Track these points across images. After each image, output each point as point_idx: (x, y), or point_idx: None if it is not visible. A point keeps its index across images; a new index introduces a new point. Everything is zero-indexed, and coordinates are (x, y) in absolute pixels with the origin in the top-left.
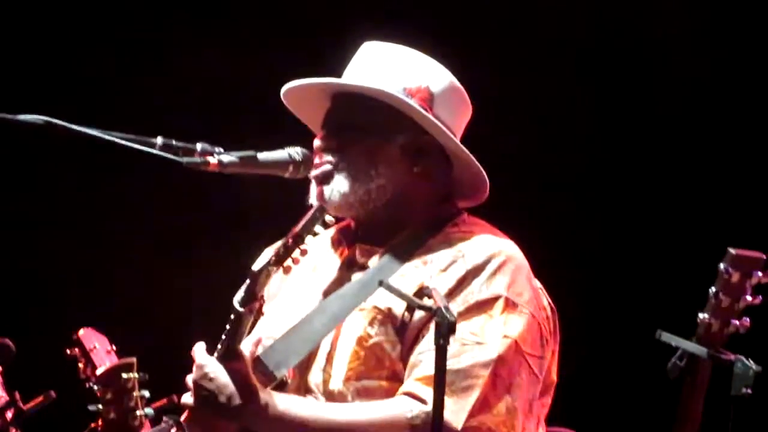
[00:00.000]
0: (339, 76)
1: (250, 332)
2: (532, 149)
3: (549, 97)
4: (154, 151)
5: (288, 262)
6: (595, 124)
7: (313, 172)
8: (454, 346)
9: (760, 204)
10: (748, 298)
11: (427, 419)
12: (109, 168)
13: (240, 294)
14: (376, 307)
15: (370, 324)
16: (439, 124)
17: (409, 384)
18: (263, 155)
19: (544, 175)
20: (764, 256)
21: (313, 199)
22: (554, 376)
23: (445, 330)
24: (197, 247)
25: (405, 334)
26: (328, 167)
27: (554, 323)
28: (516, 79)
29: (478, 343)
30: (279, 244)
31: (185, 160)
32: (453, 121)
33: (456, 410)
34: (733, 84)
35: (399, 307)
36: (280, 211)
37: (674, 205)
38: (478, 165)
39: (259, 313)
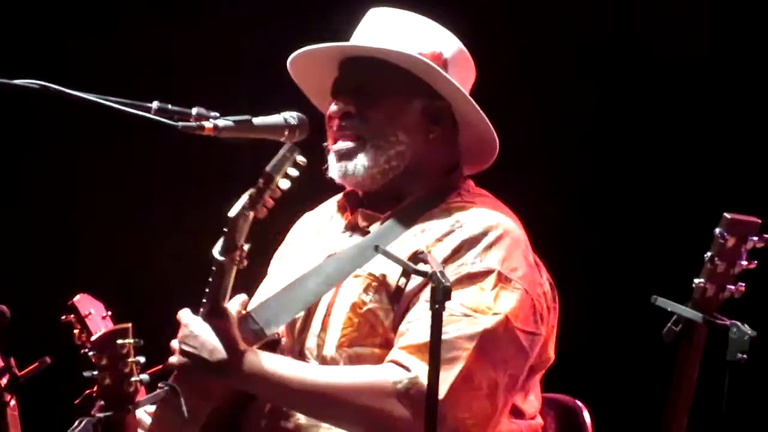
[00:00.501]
0: (344, 41)
1: (253, 292)
2: (529, 120)
3: (550, 66)
4: (150, 116)
5: (261, 203)
6: (593, 92)
7: (335, 147)
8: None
9: (755, 168)
10: (744, 262)
11: (410, 385)
12: (101, 132)
13: (219, 244)
14: (371, 274)
15: (365, 291)
16: (461, 88)
17: (394, 352)
18: (258, 120)
19: (539, 147)
20: (759, 221)
21: (333, 173)
22: (551, 353)
23: (440, 295)
24: (193, 212)
25: (399, 301)
26: (351, 144)
27: (553, 298)
28: (517, 43)
29: (466, 315)
30: (252, 189)
31: (181, 124)
32: (464, 86)
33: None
34: (730, 56)
35: (394, 274)
36: None
37: (670, 170)
38: (492, 130)
39: (241, 262)
